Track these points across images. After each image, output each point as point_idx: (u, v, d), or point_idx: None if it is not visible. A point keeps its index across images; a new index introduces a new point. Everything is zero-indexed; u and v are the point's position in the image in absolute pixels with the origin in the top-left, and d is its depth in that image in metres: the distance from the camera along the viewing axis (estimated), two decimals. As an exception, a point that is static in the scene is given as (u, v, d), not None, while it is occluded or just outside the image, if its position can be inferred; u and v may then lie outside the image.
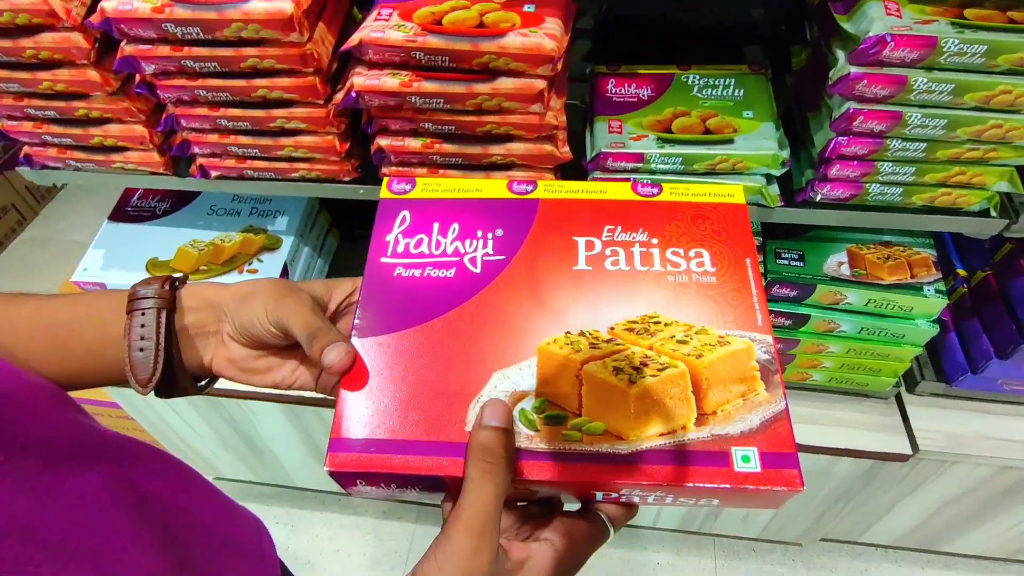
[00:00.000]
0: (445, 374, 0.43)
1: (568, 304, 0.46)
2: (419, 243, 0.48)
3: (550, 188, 0.52)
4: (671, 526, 1.43)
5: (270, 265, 1.05)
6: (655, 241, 0.49)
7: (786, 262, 0.90)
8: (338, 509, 1.62)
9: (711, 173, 0.80)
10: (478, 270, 0.47)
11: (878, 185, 0.79)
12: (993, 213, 0.81)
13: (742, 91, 0.84)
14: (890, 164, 0.77)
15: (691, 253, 0.48)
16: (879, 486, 1.13)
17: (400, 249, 0.48)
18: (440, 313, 0.45)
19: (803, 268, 0.89)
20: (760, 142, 0.79)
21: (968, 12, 0.66)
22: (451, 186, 0.52)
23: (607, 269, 0.47)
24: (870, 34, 0.66)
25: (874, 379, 1.01)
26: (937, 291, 0.87)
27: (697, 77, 0.87)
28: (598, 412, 0.42)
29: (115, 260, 1.08)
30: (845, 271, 0.89)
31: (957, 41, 0.64)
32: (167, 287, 0.47)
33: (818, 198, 0.82)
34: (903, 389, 1.07)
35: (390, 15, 0.72)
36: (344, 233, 1.28)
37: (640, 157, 0.79)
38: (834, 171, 0.78)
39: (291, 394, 0.89)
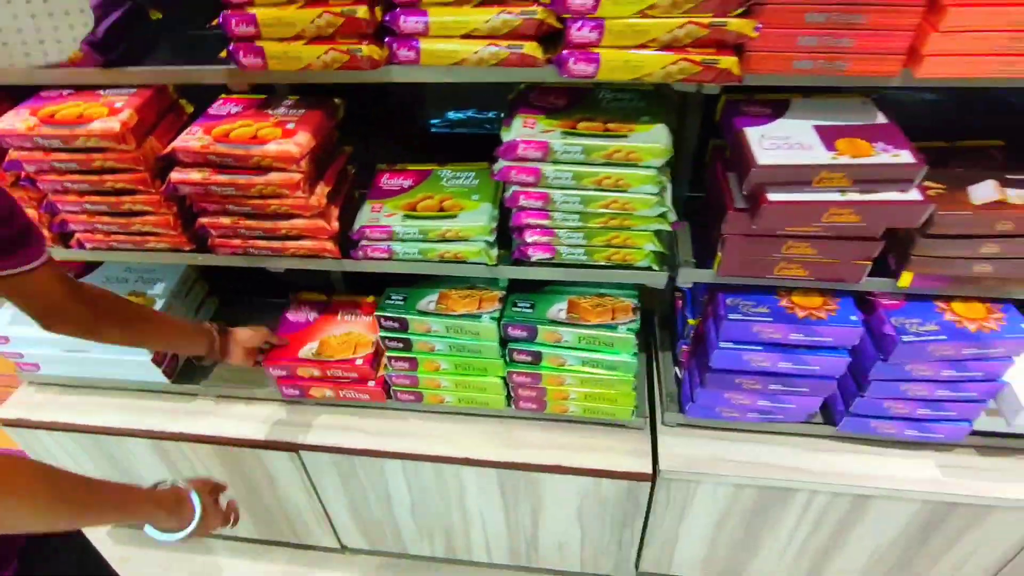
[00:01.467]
0: None
1: None
2: None
3: None
4: (500, 560, 1.56)
5: (141, 320, 1.31)
6: None
7: (520, 309, 1.15)
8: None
9: (442, 240, 1.07)
10: None
11: (565, 247, 1.06)
12: (655, 268, 1.06)
13: (477, 181, 1.13)
14: (564, 231, 1.03)
15: None
16: (651, 510, 1.30)
17: None
18: None
19: (531, 314, 1.14)
20: (478, 217, 1.06)
21: (580, 125, 0.95)
22: None
23: None
24: (508, 139, 0.94)
25: (618, 408, 1.21)
26: (628, 329, 1.10)
27: (449, 172, 1.16)
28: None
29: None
30: (563, 316, 1.13)
31: (562, 144, 0.92)
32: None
33: (533, 258, 1.08)
34: (660, 420, 1.28)
35: (197, 131, 1.02)
36: (224, 298, 1.55)
37: (388, 230, 1.07)
38: (529, 237, 1.05)
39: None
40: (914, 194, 0.89)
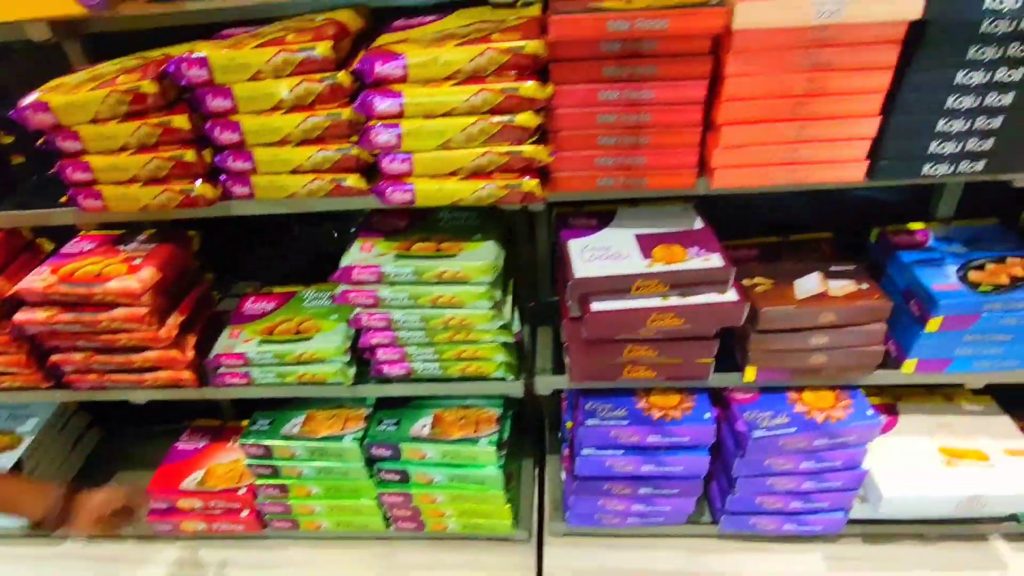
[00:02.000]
0: None
1: None
2: None
3: None
4: None
5: (4, 460, 1.26)
6: None
7: (383, 428, 1.13)
8: None
9: (298, 363, 1.07)
10: None
11: (419, 363, 1.06)
12: (509, 377, 1.07)
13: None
14: (413, 348, 1.04)
15: None
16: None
17: None
18: None
19: (395, 432, 1.12)
20: (333, 338, 1.06)
21: (415, 247, 0.99)
22: None
23: None
24: (343, 264, 0.97)
25: (496, 522, 1.18)
26: (489, 442, 1.09)
27: (313, 292, 1.17)
28: None
29: None
30: (426, 431, 1.12)
31: (394, 267, 0.95)
32: None
33: (390, 376, 1.08)
34: (547, 531, 1.24)
35: (44, 271, 1.03)
36: (110, 428, 1.51)
37: (244, 356, 1.06)
38: (381, 355, 1.05)
39: None
40: (731, 295, 0.93)
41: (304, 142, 0.89)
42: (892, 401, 1.20)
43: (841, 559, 1.16)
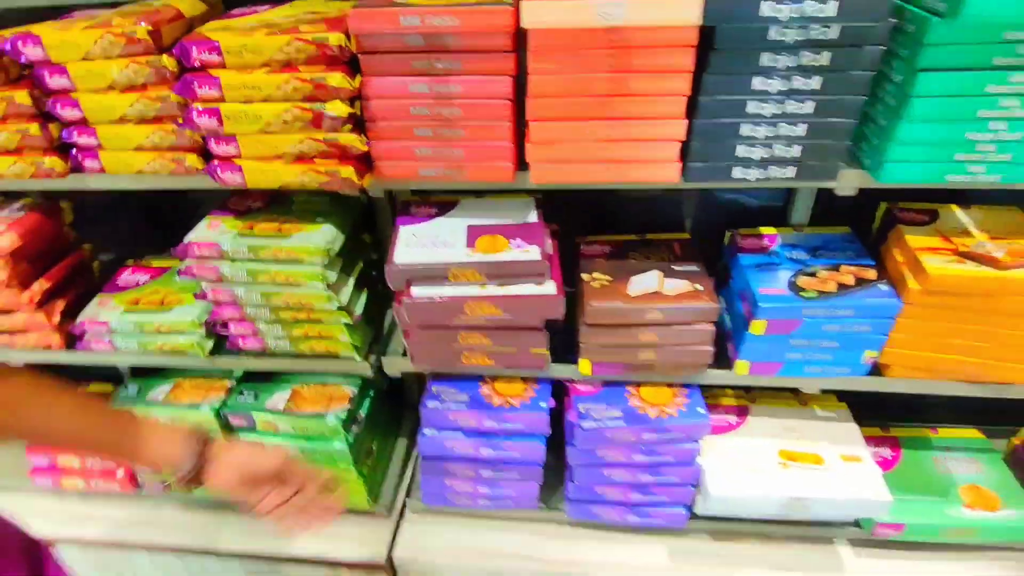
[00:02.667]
0: None
1: None
2: None
3: None
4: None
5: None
6: None
7: (243, 399, 1.17)
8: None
9: (158, 333, 1.11)
10: None
11: (271, 339, 1.10)
12: (357, 358, 1.10)
13: (208, 276, 1.18)
14: (263, 324, 1.08)
15: None
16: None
17: None
18: None
19: (252, 403, 1.17)
20: (190, 311, 1.11)
21: (258, 226, 1.02)
22: None
23: None
24: (186, 239, 1.01)
25: (352, 496, 1.22)
26: (337, 418, 1.13)
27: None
28: None
29: None
30: (282, 405, 1.16)
31: (232, 244, 0.99)
32: None
33: (247, 349, 1.12)
34: (409, 509, 1.28)
35: (-81, 233, 1.09)
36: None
37: (107, 324, 1.11)
38: (233, 329, 1.09)
39: None
40: (548, 287, 0.95)
41: (142, 121, 0.93)
42: (748, 403, 1.21)
43: (686, 553, 1.19)
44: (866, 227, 1.10)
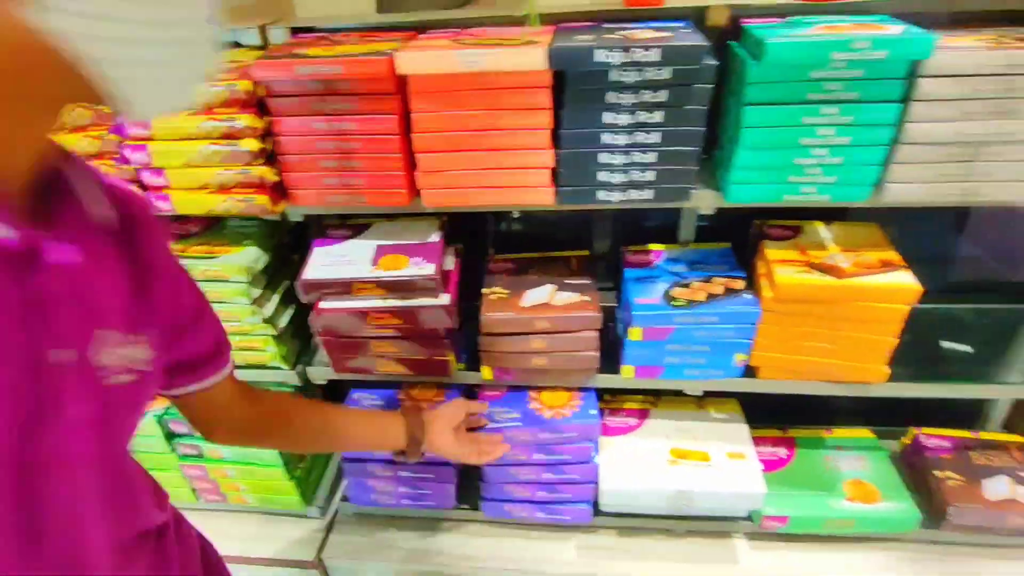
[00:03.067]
0: None
1: None
2: None
3: None
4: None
5: None
6: None
7: (183, 407, 1.28)
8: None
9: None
10: None
11: (207, 351, 1.21)
12: (284, 367, 1.21)
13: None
14: (198, 337, 1.19)
15: None
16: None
17: None
18: None
19: (192, 411, 1.28)
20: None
21: (192, 248, 1.14)
22: None
23: None
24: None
25: (286, 498, 1.31)
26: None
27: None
28: None
29: None
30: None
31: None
32: None
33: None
34: (341, 511, 1.37)
35: None
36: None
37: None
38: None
39: None
40: (442, 299, 1.06)
41: (89, 157, 1.06)
42: (649, 407, 1.31)
43: (593, 548, 1.27)
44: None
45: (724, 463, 1.18)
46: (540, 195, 1.00)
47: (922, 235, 1.34)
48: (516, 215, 1.25)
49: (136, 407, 0.59)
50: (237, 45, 1.10)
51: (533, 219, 1.39)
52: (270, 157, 1.01)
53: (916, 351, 1.18)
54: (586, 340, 1.10)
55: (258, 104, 0.98)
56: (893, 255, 1.05)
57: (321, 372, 1.22)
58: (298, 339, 1.26)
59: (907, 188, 0.93)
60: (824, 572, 1.21)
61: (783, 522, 1.20)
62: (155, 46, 0.41)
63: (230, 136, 0.98)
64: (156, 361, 0.59)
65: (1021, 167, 0.90)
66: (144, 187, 1.04)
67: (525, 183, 1.00)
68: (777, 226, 1.15)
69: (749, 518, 1.24)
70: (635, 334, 1.09)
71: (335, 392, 1.31)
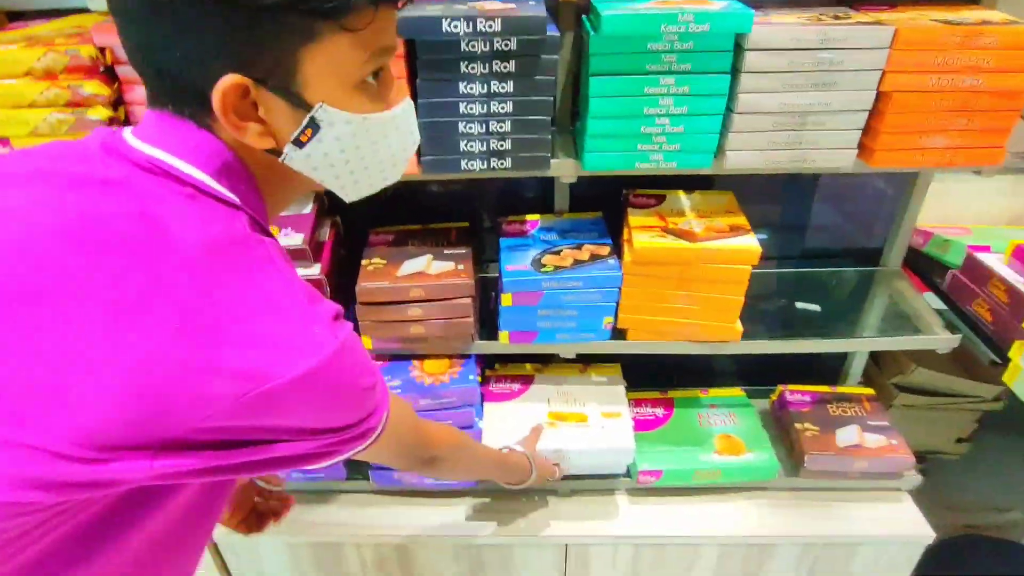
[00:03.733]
0: None
1: None
2: None
3: None
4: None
5: None
6: None
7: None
8: None
9: None
10: None
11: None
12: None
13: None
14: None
15: None
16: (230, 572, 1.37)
17: None
18: None
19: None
20: None
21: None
22: None
23: None
24: None
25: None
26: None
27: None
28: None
29: None
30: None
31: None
32: None
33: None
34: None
35: None
36: None
37: None
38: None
39: None
40: (313, 270, 1.07)
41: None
42: (534, 373, 1.36)
43: (481, 511, 1.31)
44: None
45: (599, 422, 1.24)
46: (408, 165, 1.02)
47: (786, 204, 1.44)
48: (389, 192, 1.26)
49: None
50: (85, 10, 1.07)
51: (414, 192, 1.40)
52: (124, 125, 0.99)
53: (773, 312, 1.28)
54: (461, 307, 1.13)
55: (107, 71, 0.96)
56: (742, 220, 1.12)
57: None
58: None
59: (743, 155, 1.00)
60: (695, 521, 1.29)
61: (657, 476, 1.27)
62: (379, 172, 0.63)
63: (76, 104, 0.95)
64: None
65: (841, 136, 0.98)
66: (-9, 159, 1.01)
67: (389, 153, 1.01)
68: (642, 195, 1.21)
69: (628, 474, 1.31)
70: (507, 300, 1.12)
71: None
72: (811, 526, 1.28)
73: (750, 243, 1.06)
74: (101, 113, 0.95)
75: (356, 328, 1.15)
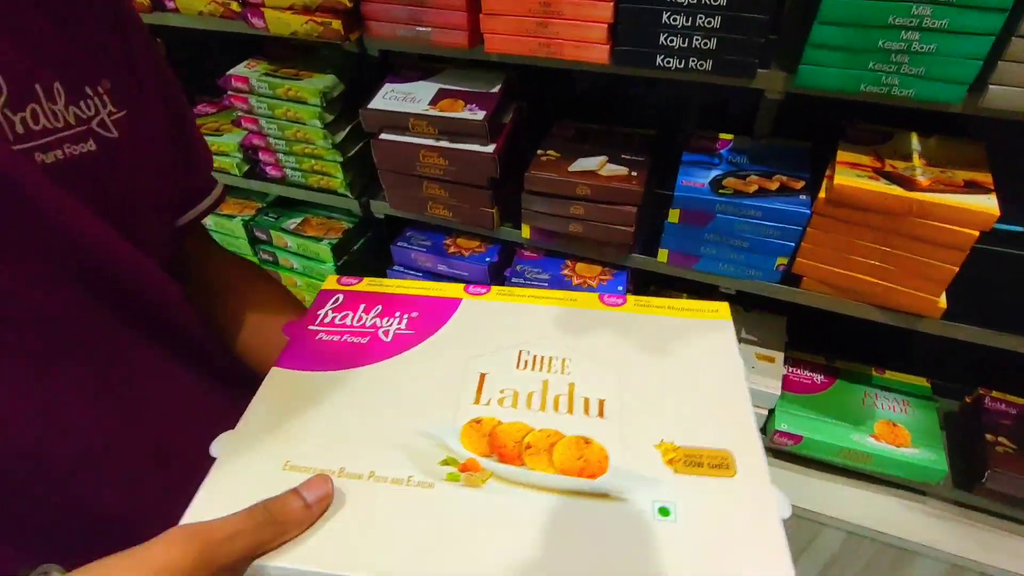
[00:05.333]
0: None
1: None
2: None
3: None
4: None
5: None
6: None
7: (264, 217, 1.44)
8: None
9: (210, 151, 1.40)
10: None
11: (289, 169, 1.34)
12: (349, 195, 1.32)
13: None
14: (281, 154, 1.32)
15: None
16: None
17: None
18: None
19: (273, 222, 1.43)
20: (232, 137, 1.38)
21: (282, 70, 1.24)
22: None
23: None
24: (228, 73, 1.25)
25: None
26: (328, 244, 1.36)
27: (246, 106, 1.48)
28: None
29: None
30: (292, 227, 1.41)
31: (256, 80, 1.22)
32: None
33: (269, 175, 1.38)
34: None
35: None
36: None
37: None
38: (260, 156, 1.35)
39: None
40: (488, 148, 1.09)
41: (200, -32, 1.17)
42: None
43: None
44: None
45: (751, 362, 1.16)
46: (595, 52, 0.97)
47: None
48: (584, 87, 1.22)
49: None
50: None
51: (608, 89, 1.35)
52: None
53: (992, 297, 1.06)
54: (624, 214, 1.09)
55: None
56: (985, 177, 0.92)
57: (380, 206, 1.31)
58: (365, 175, 1.35)
59: (1013, 94, 0.80)
60: (827, 499, 1.18)
61: (796, 440, 1.17)
62: None
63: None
64: (129, 124, 0.43)
65: None
66: (246, 3, 1.14)
67: (584, 37, 0.97)
68: (866, 129, 1.04)
69: (763, 430, 1.22)
70: (674, 215, 1.06)
71: (393, 230, 1.42)
72: (967, 548, 1.11)
73: (987, 203, 0.87)
74: (332, -34, 1.02)
75: (519, 214, 1.18)
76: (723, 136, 1.15)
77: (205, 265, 0.59)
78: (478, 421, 0.41)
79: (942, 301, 0.97)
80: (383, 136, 1.13)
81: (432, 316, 0.49)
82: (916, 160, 0.97)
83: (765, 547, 0.34)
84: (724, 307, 0.50)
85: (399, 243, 1.30)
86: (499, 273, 1.27)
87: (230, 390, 0.50)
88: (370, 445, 0.39)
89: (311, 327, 0.48)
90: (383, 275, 1.40)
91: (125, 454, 0.45)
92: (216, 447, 0.40)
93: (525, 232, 1.19)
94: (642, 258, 1.15)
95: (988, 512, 1.14)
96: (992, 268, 1.07)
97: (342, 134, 1.25)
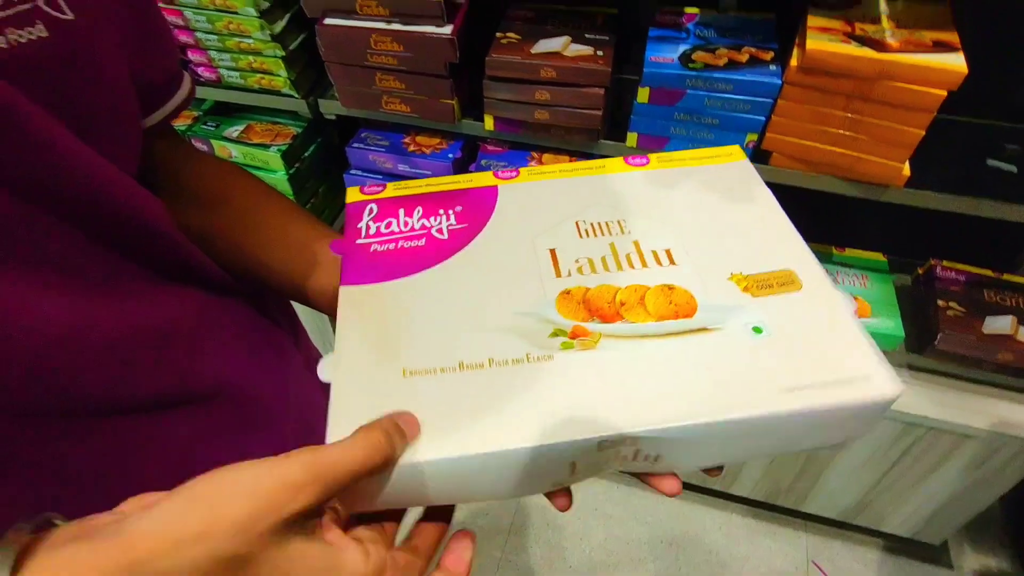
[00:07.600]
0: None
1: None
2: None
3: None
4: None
5: None
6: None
7: (203, 127, 1.33)
8: None
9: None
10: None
11: (224, 70, 1.23)
12: (295, 95, 1.22)
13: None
14: (214, 52, 1.20)
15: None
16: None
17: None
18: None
19: (213, 130, 1.33)
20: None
21: (205, -50, 1.11)
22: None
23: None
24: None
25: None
26: (278, 151, 1.27)
27: None
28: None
29: None
30: (235, 135, 1.31)
31: (177, -37, 1.09)
32: None
33: (202, 79, 1.26)
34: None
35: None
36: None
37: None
38: (191, 56, 1.22)
39: None
40: (445, 30, 1.01)
41: None
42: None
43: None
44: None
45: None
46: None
47: (1019, 41, 1.16)
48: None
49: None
50: None
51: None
52: None
53: (954, 165, 1.08)
54: (592, 97, 1.05)
55: None
56: (951, 36, 0.91)
57: (331, 105, 1.23)
58: (311, 72, 1.25)
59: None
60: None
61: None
62: None
63: None
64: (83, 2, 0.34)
65: None
66: None
67: None
68: (832, -5, 1.01)
69: (730, 313, 1.25)
70: (643, 95, 1.02)
71: (345, 132, 1.33)
72: (918, 405, 1.19)
73: (954, 61, 0.86)
74: None
75: (480, 107, 1.12)
76: (689, 10, 1.10)
77: (185, 173, 0.52)
78: (567, 292, 0.42)
79: (906, 169, 0.98)
80: (328, 21, 1.04)
81: (477, 207, 0.49)
82: (885, 23, 0.95)
83: (848, 339, 0.38)
84: (736, 149, 0.54)
85: (354, 144, 1.23)
86: (463, 169, 1.22)
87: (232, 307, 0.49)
88: (476, 335, 0.40)
89: (359, 241, 0.47)
90: (340, 180, 1.33)
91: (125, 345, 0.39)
92: (324, 372, 0.38)
93: (488, 123, 1.14)
94: (610, 143, 1.12)
95: (937, 372, 1.22)
96: (948, 136, 1.09)
97: (281, 23, 1.14)
